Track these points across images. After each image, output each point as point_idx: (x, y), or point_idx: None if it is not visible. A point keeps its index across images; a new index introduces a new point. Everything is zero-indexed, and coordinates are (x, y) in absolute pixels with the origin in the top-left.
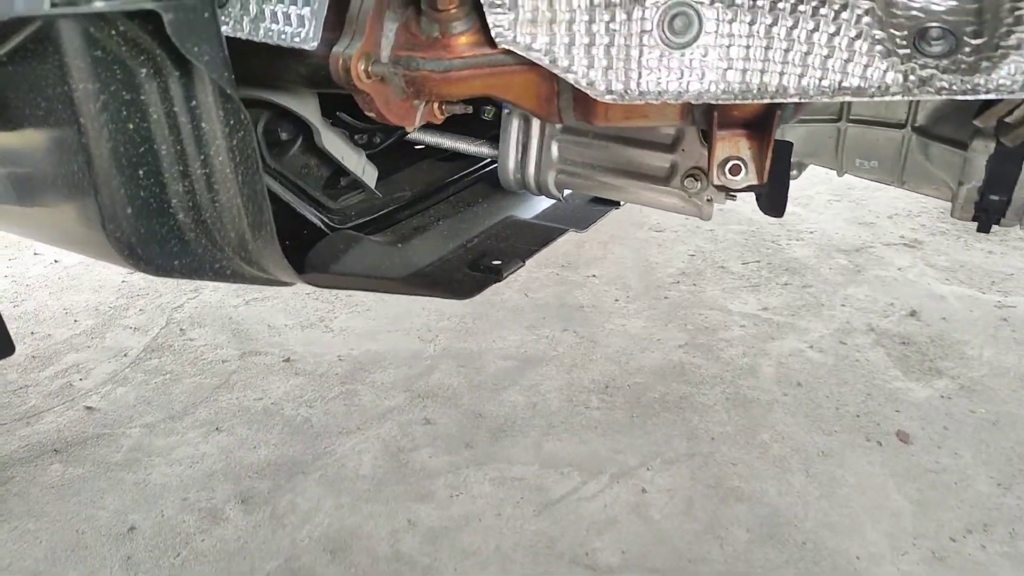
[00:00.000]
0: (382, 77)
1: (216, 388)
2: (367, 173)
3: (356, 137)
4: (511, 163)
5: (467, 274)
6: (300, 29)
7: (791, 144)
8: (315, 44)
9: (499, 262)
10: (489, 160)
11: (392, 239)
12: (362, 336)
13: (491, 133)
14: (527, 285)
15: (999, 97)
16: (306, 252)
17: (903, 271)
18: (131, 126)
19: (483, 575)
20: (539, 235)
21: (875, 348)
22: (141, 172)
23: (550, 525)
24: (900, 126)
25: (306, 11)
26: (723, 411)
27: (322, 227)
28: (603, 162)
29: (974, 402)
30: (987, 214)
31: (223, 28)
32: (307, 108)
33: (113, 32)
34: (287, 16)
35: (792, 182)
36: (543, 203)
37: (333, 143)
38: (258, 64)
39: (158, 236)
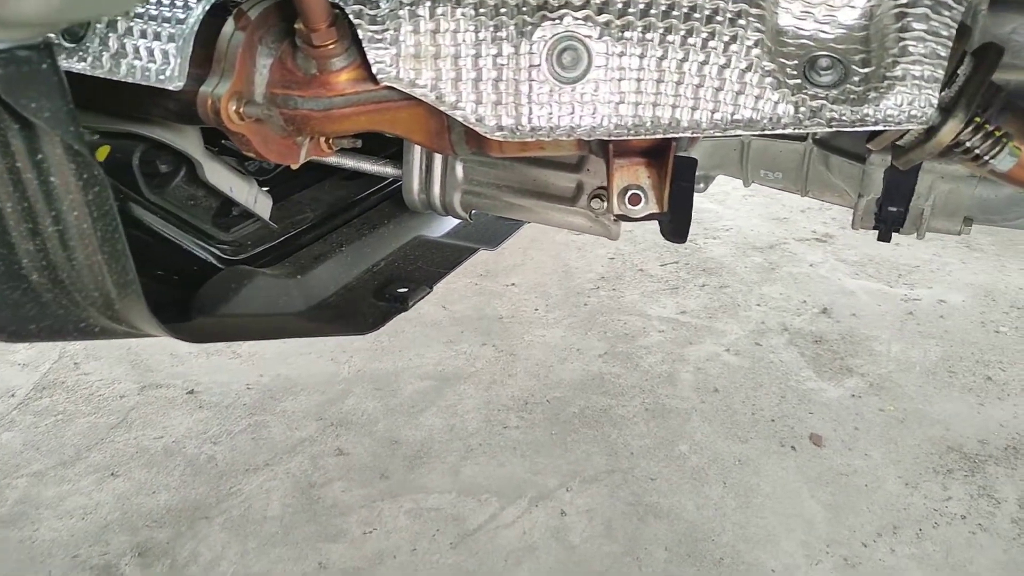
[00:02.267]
0: (257, 117)
1: (112, 428)
2: (260, 203)
3: (247, 164)
4: (415, 184)
5: (371, 304)
6: (164, 66)
7: (695, 161)
8: (180, 83)
9: (405, 289)
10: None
11: (290, 270)
12: (272, 361)
13: (395, 150)
14: (445, 297)
15: (886, 128)
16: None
17: (815, 267)
18: None
19: None
20: (449, 256)
21: (789, 348)
22: None
23: (467, 558)
24: (801, 139)
25: (170, 47)
26: (642, 423)
27: (214, 262)
28: (508, 182)
29: (883, 399)
30: (886, 224)
31: (80, 65)
32: (186, 140)
33: None
34: (150, 52)
35: (699, 195)
36: (453, 220)
37: (218, 175)
38: (128, 98)
39: (10, 300)
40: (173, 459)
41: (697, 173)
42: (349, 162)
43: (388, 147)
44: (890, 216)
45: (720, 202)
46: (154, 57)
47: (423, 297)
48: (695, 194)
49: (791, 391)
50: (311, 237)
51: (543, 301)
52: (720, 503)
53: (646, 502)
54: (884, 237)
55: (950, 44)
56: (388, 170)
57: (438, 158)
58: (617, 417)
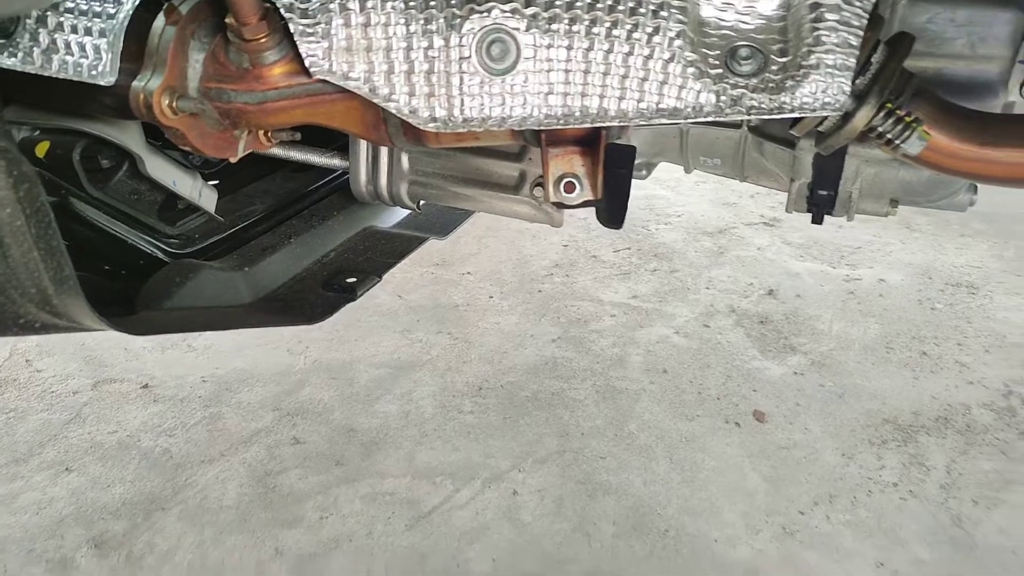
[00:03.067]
0: (191, 112)
1: (66, 424)
2: (204, 196)
3: (191, 158)
4: (363, 176)
5: (320, 295)
6: (96, 62)
7: (634, 148)
8: (112, 79)
9: (354, 279)
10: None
11: (237, 263)
12: (228, 353)
13: (343, 142)
14: (401, 287)
15: (803, 116)
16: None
17: (762, 250)
18: None
19: None
20: (398, 246)
21: (735, 329)
22: None
23: (422, 539)
24: (737, 126)
25: (101, 42)
26: (593, 405)
27: (160, 256)
28: (454, 172)
29: (823, 376)
30: (818, 208)
31: (10, 61)
32: (127, 135)
33: None
34: (82, 47)
35: (645, 180)
36: (403, 212)
37: (161, 169)
38: (64, 93)
39: None
40: (128, 453)
41: (638, 160)
42: (297, 155)
43: (336, 140)
44: (821, 199)
45: (672, 188)
46: (85, 52)
47: (372, 287)
48: (638, 180)
49: (736, 370)
50: (260, 230)
51: (498, 288)
52: (666, 479)
53: (596, 480)
54: (817, 220)
55: (862, 33)
56: (336, 162)
57: (384, 150)
58: (569, 400)
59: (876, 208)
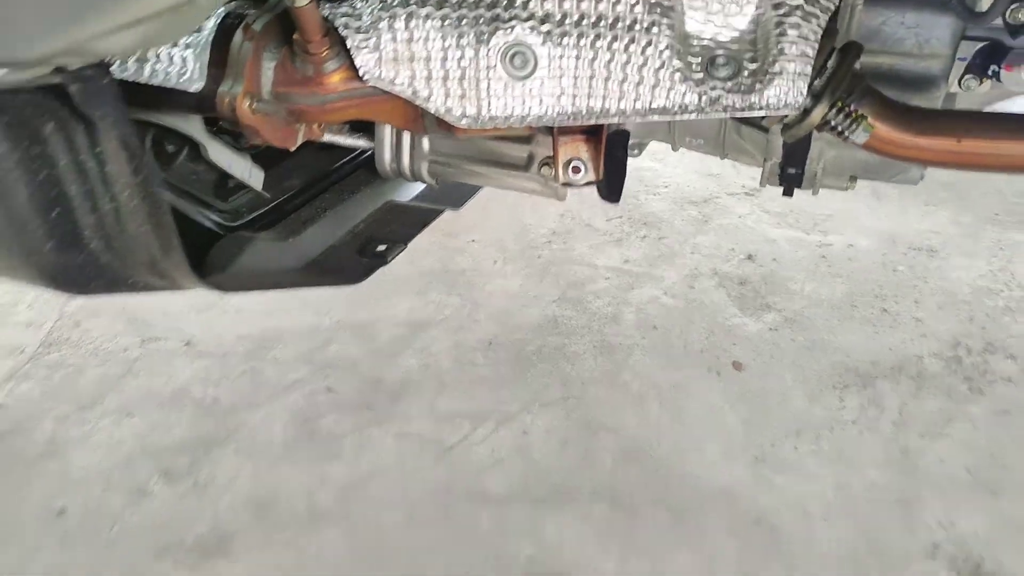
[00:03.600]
0: (266, 111)
1: (121, 376)
2: (254, 176)
3: (240, 141)
4: (387, 155)
5: (356, 260)
6: (184, 70)
7: (628, 133)
8: (200, 85)
9: (384, 247)
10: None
11: (283, 233)
12: (259, 315)
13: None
14: (412, 254)
15: (769, 113)
16: (204, 254)
17: (743, 218)
18: (42, 176)
19: (391, 517)
20: (418, 217)
21: (718, 290)
22: (55, 213)
23: (446, 471)
24: None
25: (188, 54)
26: (591, 358)
27: (215, 228)
28: (469, 153)
29: (795, 331)
30: (787, 183)
31: (112, 70)
32: (192, 126)
33: (20, 100)
34: (171, 58)
35: (636, 159)
36: (420, 185)
37: (219, 153)
38: (147, 93)
39: (75, 264)
40: (181, 400)
41: (631, 141)
42: (326, 135)
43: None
44: (790, 176)
45: (659, 160)
46: (174, 62)
47: (400, 252)
48: (631, 158)
49: (718, 326)
50: (297, 203)
51: (501, 255)
52: (657, 420)
53: (595, 421)
54: (787, 193)
55: (817, 46)
56: (361, 142)
57: (407, 133)
58: (570, 353)
59: (838, 183)
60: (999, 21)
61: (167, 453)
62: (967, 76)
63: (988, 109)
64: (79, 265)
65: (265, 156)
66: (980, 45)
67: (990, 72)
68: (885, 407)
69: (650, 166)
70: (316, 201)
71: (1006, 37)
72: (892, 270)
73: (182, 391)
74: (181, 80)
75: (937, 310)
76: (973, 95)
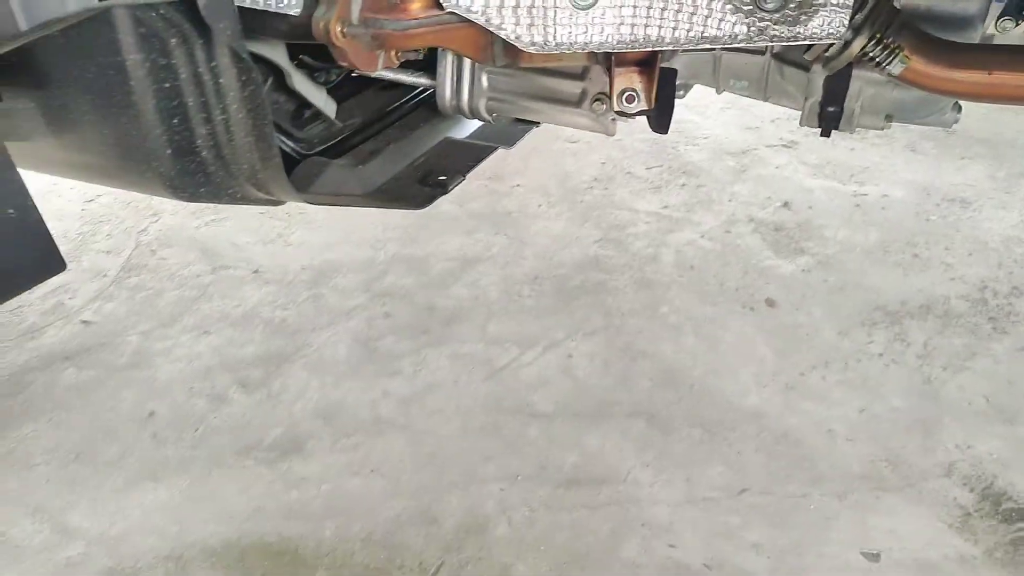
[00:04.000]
0: (354, 35)
1: (196, 299)
2: (328, 106)
3: (316, 75)
4: (448, 92)
5: (418, 189)
6: None
7: (676, 71)
8: (299, 10)
9: (444, 178)
10: (425, 88)
11: (353, 162)
12: (319, 248)
13: (425, 61)
14: (461, 197)
15: (813, 42)
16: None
17: (780, 169)
18: (167, 85)
19: (448, 427)
20: (474, 153)
21: (753, 235)
22: (175, 121)
23: (497, 387)
24: (762, 53)
25: None
26: (631, 292)
27: (293, 154)
28: (526, 90)
29: (827, 273)
30: (826, 122)
31: None
32: (278, 55)
33: (153, 13)
34: None
35: (682, 100)
36: (474, 124)
37: (302, 83)
38: (251, 18)
39: (189, 170)
40: (252, 321)
41: (677, 82)
42: (390, 74)
43: (420, 63)
44: (829, 115)
45: (700, 113)
46: None
47: (459, 183)
48: (676, 100)
49: (753, 267)
50: (361, 137)
51: (545, 199)
52: (693, 349)
53: (635, 348)
54: (826, 133)
55: None
56: (423, 80)
57: (466, 71)
58: (611, 288)
59: (874, 122)
60: None
61: (242, 366)
62: (1004, 18)
63: None
64: (192, 172)
65: (337, 90)
66: None
67: None
68: (911, 342)
69: (690, 119)
70: (381, 135)
71: None
72: (925, 219)
73: (252, 313)
74: (281, 5)
75: (967, 256)
76: (1009, 37)
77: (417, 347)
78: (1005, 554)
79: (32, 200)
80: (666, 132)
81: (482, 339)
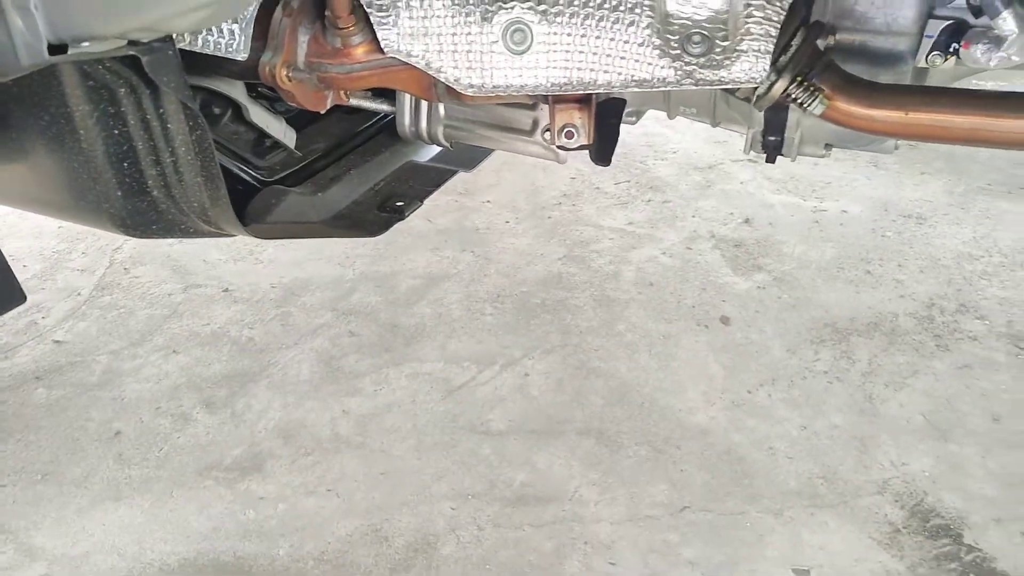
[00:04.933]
0: (300, 79)
1: (166, 318)
2: (287, 136)
3: (275, 105)
4: (407, 119)
5: (376, 215)
6: (232, 41)
7: (623, 101)
8: (245, 55)
9: (402, 203)
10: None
11: (313, 189)
12: (289, 265)
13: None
14: (430, 212)
15: (736, 86)
16: (244, 206)
17: (744, 184)
18: (116, 132)
19: (403, 446)
20: (434, 177)
21: (713, 251)
22: (125, 164)
23: (454, 406)
24: None
25: (235, 27)
26: (591, 310)
27: (255, 183)
28: (480, 118)
29: (781, 290)
30: (769, 151)
31: None
32: (236, 90)
33: (101, 67)
34: (221, 31)
35: (634, 126)
36: (436, 148)
37: (259, 116)
38: (198, 60)
39: (139, 209)
40: (220, 340)
41: (629, 109)
42: (354, 100)
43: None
44: (771, 144)
45: (669, 127)
46: (224, 35)
47: (416, 209)
48: (629, 125)
49: (711, 284)
50: (324, 163)
51: (513, 215)
52: (646, 366)
53: (589, 366)
54: (770, 159)
55: (779, 27)
56: (384, 107)
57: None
58: (571, 306)
59: (814, 151)
60: (962, 1)
61: (208, 385)
62: (933, 53)
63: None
64: (143, 211)
65: (296, 120)
66: (945, 24)
67: (951, 49)
68: (856, 359)
69: (660, 131)
70: (342, 161)
71: (969, 16)
72: (881, 236)
73: (221, 332)
74: (229, 50)
75: (918, 273)
76: (940, 71)
77: (379, 366)
78: (929, 569)
79: None
80: (607, 164)
81: (442, 358)
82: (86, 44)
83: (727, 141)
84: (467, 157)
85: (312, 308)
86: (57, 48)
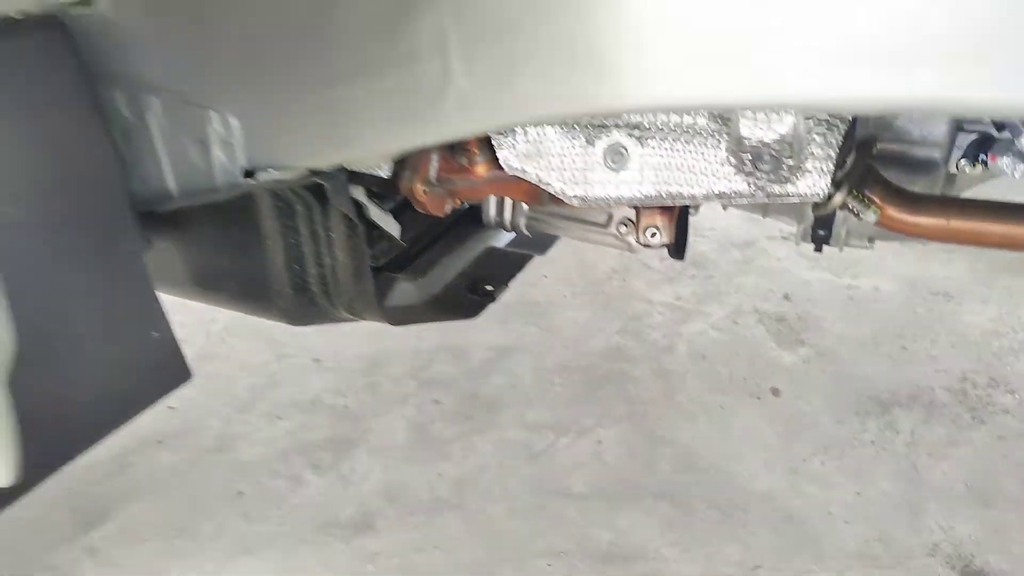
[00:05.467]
0: (432, 191)
1: (266, 386)
2: (396, 230)
3: (384, 201)
4: (492, 210)
5: (468, 298)
6: (377, 168)
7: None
8: (388, 173)
9: (491, 287)
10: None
11: (414, 275)
12: (369, 337)
13: None
14: None
15: (801, 201)
16: None
17: (781, 261)
18: (292, 241)
19: (497, 507)
20: (515, 261)
21: (758, 326)
22: (295, 267)
23: (537, 470)
24: None
25: None
26: (651, 381)
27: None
28: (561, 212)
29: (824, 363)
30: (817, 242)
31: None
32: (359, 192)
33: (287, 189)
34: None
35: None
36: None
37: (378, 215)
38: (351, 175)
39: (302, 304)
40: (318, 407)
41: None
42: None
43: None
44: (820, 237)
45: (709, 206)
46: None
47: (503, 292)
48: (694, 215)
49: (759, 357)
50: (417, 249)
51: (570, 289)
52: (707, 435)
53: (656, 435)
54: (818, 249)
55: (838, 150)
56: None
57: None
58: (632, 377)
59: (859, 243)
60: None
61: (314, 449)
62: (962, 161)
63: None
64: (304, 305)
65: (395, 211)
66: (973, 137)
67: (980, 159)
68: (899, 430)
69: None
70: (434, 247)
71: (993, 130)
72: (912, 311)
73: (318, 399)
74: (377, 171)
75: (950, 348)
76: (969, 177)
77: (465, 432)
78: None
79: (169, 321)
80: (682, 259)
81: (521, 425)
82: (277, 173)
83: (761, 220)
84: (540, 242)
85: (397, 378)
86: (250, 173)
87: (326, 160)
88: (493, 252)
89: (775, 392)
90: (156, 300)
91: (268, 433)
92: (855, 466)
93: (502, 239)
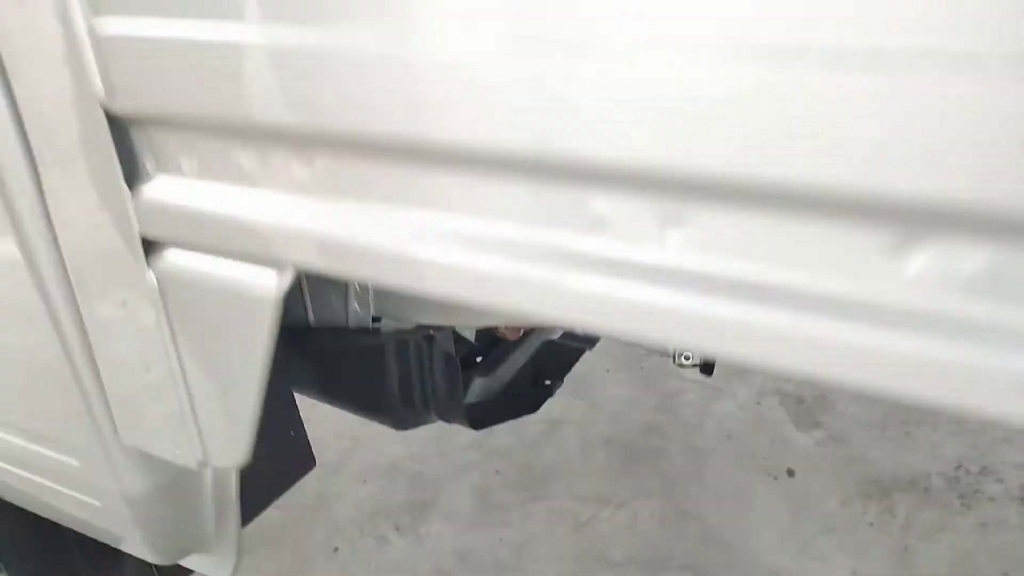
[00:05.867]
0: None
1: (351, 450)
2: (469, 332)
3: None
4: None
5: (530, 392)
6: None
7: None
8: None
9: (550, 382)
10: None
11: (486, 370)
12: None
13: None
14: None
15: None
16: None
17: None
18: (403, 369)
19: (550, 572)
20: (569, 354)
21: (779, 407)
22: (405, 388)
23: (582, 539)
24: None
25: None
26: (682, 458)
27: None
28: None
29: (836, 447)
30: None
31: None
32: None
33: (403, 333)
34: None
35: None
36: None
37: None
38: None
39: (408, 414)
40: (397, 473)
41: None
42: None
43: None
44: None
45: None
46: None
47: (560, 386)
48: None
49: (778, 438)
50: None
51: (612, 364)
52: (731, 512)
53: (684, 509)
54: None
55: None
56: None
57: None
58: (666, 453)
59: None
60: None
61: (395, 511)
62: None
63: None
64: (409, 414)
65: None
66: None
67: None
68: (896, 513)
69: None
70: (499, 346)
71: None
72: None
73: (396, 466)
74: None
75: (949, 435)
76: None
77: (522, 500)
78: None
79: (301, 418)
80: (711, 375)
81: (569, 496)
82: (395, 323)
83: None
84: (588, 336)
85: (463, 447)
86: (377, 319)
87: (435, 320)
88: (551, 345)
89: (790, 473)
90: (295, 406)
91: (356, 495)
92: (854, 545)
93: (557, 331)
